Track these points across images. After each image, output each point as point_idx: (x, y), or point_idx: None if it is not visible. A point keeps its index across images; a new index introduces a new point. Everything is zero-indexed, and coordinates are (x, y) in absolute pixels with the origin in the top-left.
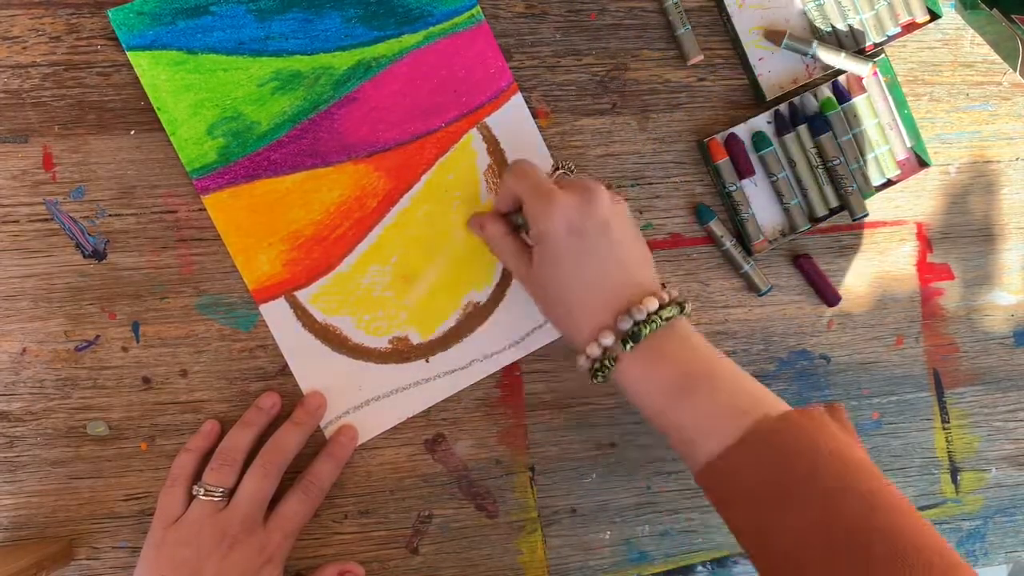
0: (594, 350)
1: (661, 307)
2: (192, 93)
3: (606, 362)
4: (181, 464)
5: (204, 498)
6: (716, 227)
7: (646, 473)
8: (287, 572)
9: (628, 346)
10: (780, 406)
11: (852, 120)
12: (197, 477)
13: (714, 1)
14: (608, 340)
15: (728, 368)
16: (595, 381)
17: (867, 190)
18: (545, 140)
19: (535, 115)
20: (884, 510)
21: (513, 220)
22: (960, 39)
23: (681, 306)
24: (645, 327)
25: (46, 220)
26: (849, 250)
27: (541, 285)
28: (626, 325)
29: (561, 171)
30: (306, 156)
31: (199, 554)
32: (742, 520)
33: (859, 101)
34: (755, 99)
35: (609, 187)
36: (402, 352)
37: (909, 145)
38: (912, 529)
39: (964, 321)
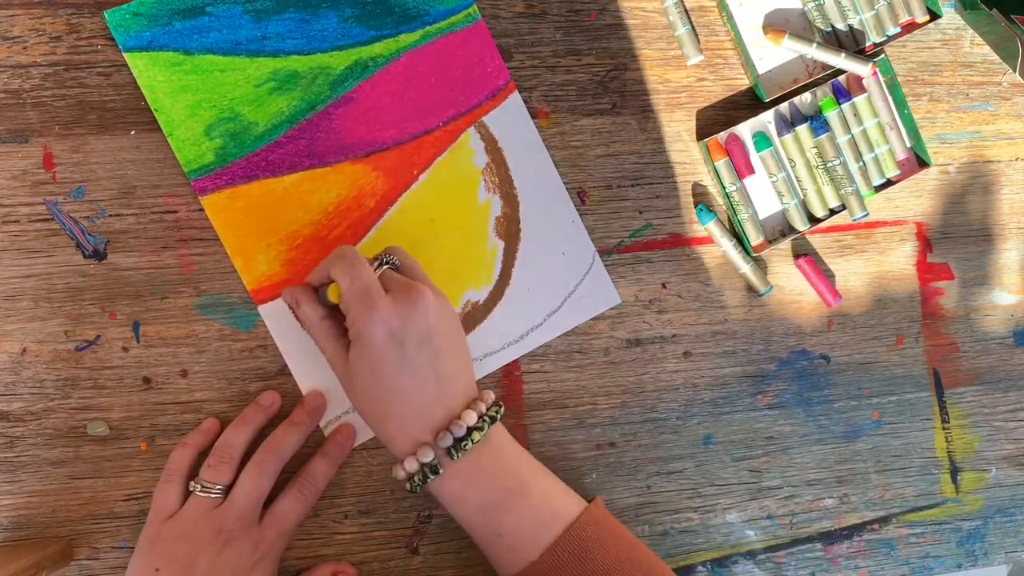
0: (412, 465)
1: (480, 417)
2: (189, 94)
3: (419, 478)
4: (178, 460)
5: (201, 495)
6: (716, 227)
7: (646, 473)
8: (286, 572)
9: (455, 456)
10: (579, 505)
11: (852, 120)
12: (193, 473)
13: (714, 1)
14: (427, 457)
15: (538, 478)
16: (409, 490)
17: (867, 190)
18: (545, 140)
19: (535, 115)
20: None
21: (320, 296)
22: (960, 39)
23: (495, 416)
24: (465, 442)
25: (46, 220)
26: (849, 250)
27: (355, 386)
28: (446, 443)
29: (387, 266)
30: (304, 156)
31: (193, 550)
32: None
33: (859, 101)
34: (755, 99)
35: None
36: None
37: (909, 145)
38: None
39: (964, 321)
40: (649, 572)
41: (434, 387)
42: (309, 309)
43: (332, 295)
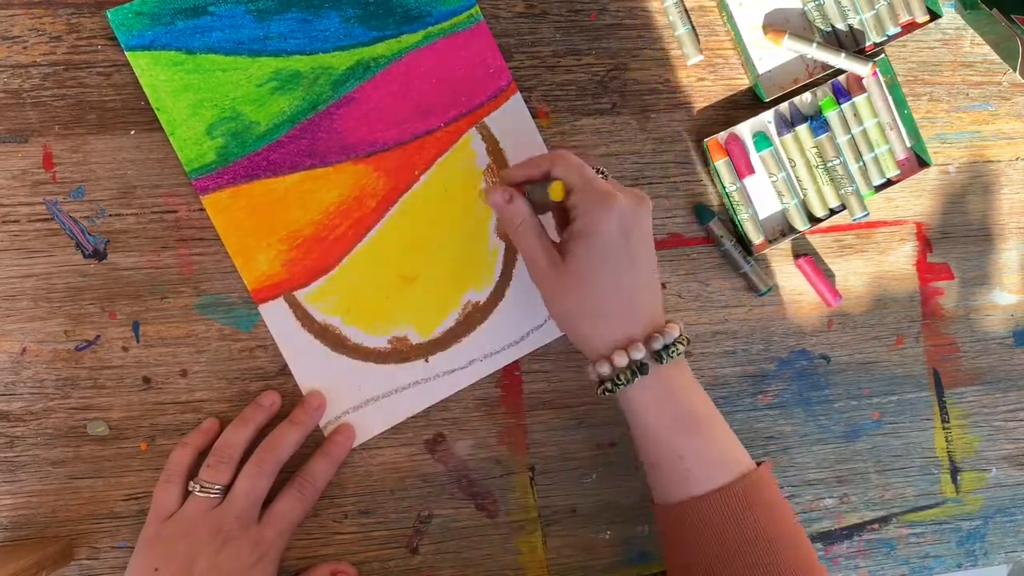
0: (621, 359)
1: (680, 334)
2: (191, 93)
3: (625, 376)
4: (177, 460)
5: (200, 494)
6: (716, 227)
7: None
8: (286, 572)
9: (663, 359)
10: (750, 460)
11: (852, 120)
12: (193, 473)
13: (714, 1)
14: (639, 354)
15: (720, 417)
16: (600, 393)
17: (867, 190)
18: (545, 140)
19: (535, 115)
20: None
21: (528, 194)
22: (960, 39)
23: (688, 339)
24: (673, 350)
25: (46, 220)
26: (849, 250)
27: (572, 282)
28: (657, 344)
29: (600, 174)
30: (305, 156)
31: (192, 549)
32: (696, 558)
33: (859, 101)
34: (755, 99)
35: None
36: (401, 352)
37: (909, 145)
38: None
39: (964, 321)
40: (802, 545)
41: (649, 289)
42: (521, 203)
43: (556, 193)
